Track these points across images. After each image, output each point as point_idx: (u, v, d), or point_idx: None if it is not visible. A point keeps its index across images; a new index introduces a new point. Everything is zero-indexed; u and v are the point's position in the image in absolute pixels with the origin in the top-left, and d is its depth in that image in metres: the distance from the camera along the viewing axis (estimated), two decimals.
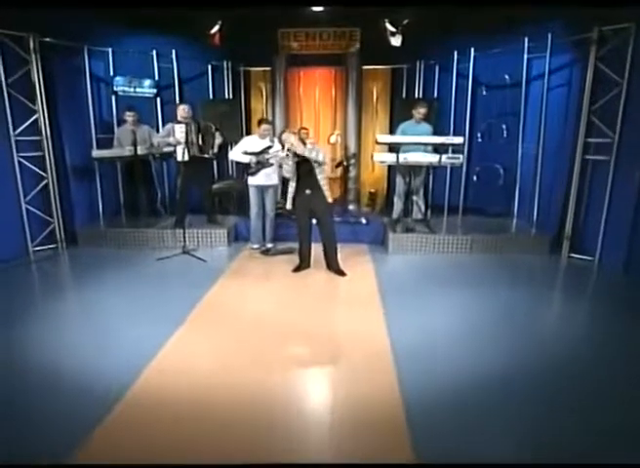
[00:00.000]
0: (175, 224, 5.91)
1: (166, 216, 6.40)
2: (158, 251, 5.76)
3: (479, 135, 6.72)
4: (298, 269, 4.86)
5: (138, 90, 6.79)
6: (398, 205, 6.22)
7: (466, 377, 2.93)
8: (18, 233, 5.57)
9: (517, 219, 6.37)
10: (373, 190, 7.72)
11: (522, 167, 6.29)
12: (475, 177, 6.80)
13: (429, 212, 6.32)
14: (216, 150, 5.83)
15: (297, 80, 7.77)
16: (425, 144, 5.55)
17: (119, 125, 6.61)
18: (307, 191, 4.55)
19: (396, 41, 5.96)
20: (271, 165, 5.57)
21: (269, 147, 5.54)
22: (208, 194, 6.10)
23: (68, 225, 6.03)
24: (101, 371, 2.97)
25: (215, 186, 6.56)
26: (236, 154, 5.59)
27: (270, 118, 7.58)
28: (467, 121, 6.74)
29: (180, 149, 5.59)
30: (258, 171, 5.54)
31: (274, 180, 5.67)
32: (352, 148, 7.34)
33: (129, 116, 6.18)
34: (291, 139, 4.58)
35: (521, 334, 3.54)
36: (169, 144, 5.72)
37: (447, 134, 6.77)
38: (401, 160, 5.48)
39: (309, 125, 7.88)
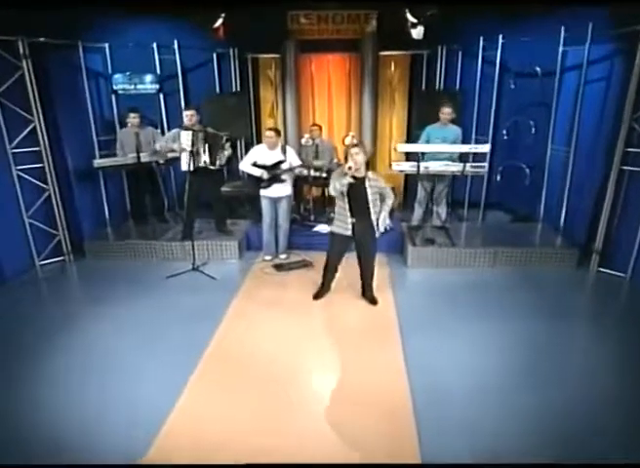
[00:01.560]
0: (182, 236, 5.66)
1: (174, 226, 6.12)
2: (167, 263, 5.56)
3: (505, 131, 6.24)
4: (318, 296, 4.60)
5: (139, 87, 6.38)
6: (418, 212, 5.89)
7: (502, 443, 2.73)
8: (23, 248, 5.39)
9: (542, 224, 6.00)
10: (391, 186, 7.31)
11: (550, 168, 5.86)
12: (499, 177, 6.38)
13: (449, 217, 5.95)
14: (223, 162, 5.47)
15: (308, 67, 7.25)
16: (461, 158, 5.13)
17: (121, 125, 6.26)
18: (350, 220, 4.18)
19: (417, 34, 5.42)
20: (283, 181, 5.23)
21: (281, 162, 5.17)
22: (217, 203, 5.80)
23: (75, 236, 5.82)
24: (106, 440, 2.83)
25: (223, 189, 6.25)
26: (246, 165, 5.26)
27: (283, 110, 7.18)
28: (492, 115, 6.25)
29: (184, 158, 5.25)
30: (269, 185, 5.21)
31: (288, 191, 5.36)
32: (368, 147, 6.89)
33: (132, 118, 5.82)
34: (359, 159, 4.02)
35: (557, 380, 3.32)
36: (173, 150, 5.37)
37: (469, 129, 6.36)
38: (422, 169, 5.09)
39: (322, 116, 7.46)
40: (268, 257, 5.61)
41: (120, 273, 5.38)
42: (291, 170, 5.24)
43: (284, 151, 5.20)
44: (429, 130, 5.63)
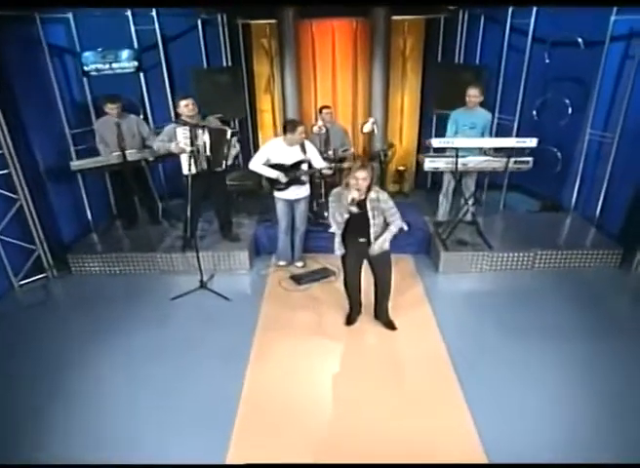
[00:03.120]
0: (183, 246, 4.96)
1: (170, 230, 5.37)
2: (168, 277, 4.90)
3: (535, 111, 5.61)
4: (350, 321, 4.05)
5: (114, 65, 5.39)
6: (444, 206, 5.31)
7: None
8: None
9: (574, 214, 5.54)
10: (401, 168, 6.69)
11: (587, 154, 5.32)
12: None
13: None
14: (230, 162, 4.67)
15: (309, 35, 6.33)
16: (496, 150, 4.50)
17: (97, 114, 5.32)
18: (361, 239, 3.59)
19: None
20: (304, 183, 4.54)
21: (302, 162, 4.45)
22: (223, 207, 5.06)
23: (56, 248, 5.03)
24: None
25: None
26: (258, 165, 4.50)
27: (282, 86, 6.30)
28: (521, 94, 5.59)
29: (184, 159, 4.45)
30: (287, 187, 4.51)
31: (306, 192, 4.68)
32: (380, 125, 6.17)
33: (111, 109, 4.91)
34: (365, 185, 3.33)
35: None
36: (171, 152, 4.54)
37: (491, 109, 5.70)
38: (460, 167, 4.48)
39: (325, 91, 6.63)
40: (283, 263, 5.00)
41: (114, 292, 4.69)
42: (314, 172, 4.52)
43: (303, 148, 4.46)
44: (456, 115, 4.97)
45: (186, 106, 4.44)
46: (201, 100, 5.59)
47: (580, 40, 5.05)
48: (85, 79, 5.28)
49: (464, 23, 5.96)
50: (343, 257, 3.72)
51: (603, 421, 3.01)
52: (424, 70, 6.41)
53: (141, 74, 5.64)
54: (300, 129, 4.31)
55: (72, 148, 5.21)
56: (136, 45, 5.50)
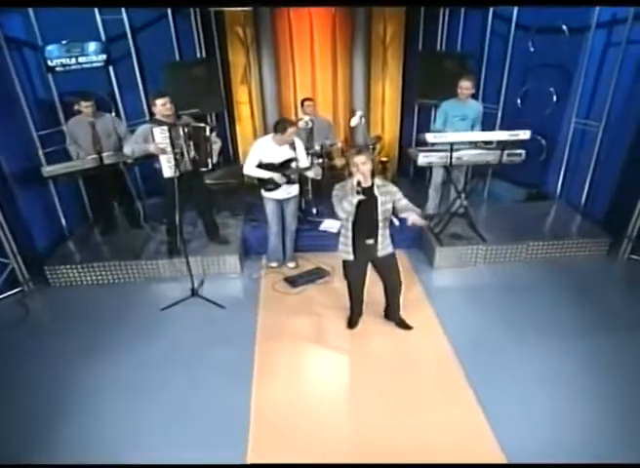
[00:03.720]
0: (169, 251, 4.72)
1: (152, 234, 5.09)
2: (154, 285, 4.66)
3: (519, 100, 5.59)
4: (352, 324, 3.94)
5: (81, 59, 4.99)
6: (434, 199, 5.27)
7: None
8: None
9: (559, 202, 5.60)
10: (384, 159, 6.59)
11: (572, 142, 5.35)
12: None
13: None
14: (215, 160, 4.42)
15: (286, 23, 6.07)
16: (485, 143, 4.44)
17: (65, 113, 4.95)
18: (369, 241, 3.46)
19: None
20: (295, 181, 4.36)
21: (292, 160, 4.27)
22: (208, 209, 4.83)
23: (31, 259, 4.68)
24: None
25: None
26: (252, 168, 4.28)
27: (260, 76, 6.08)
28: (505, 82, 5.56)
29: (164, 161, 4.19)
30: (277, 187, 4.33)
31: (295, 191, 4.50)
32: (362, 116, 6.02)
33: (85, 107, 4.56)
34: (367, 169, 3.16)
35: None
36: (149, 155, 4.25)
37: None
38: (455, 160, 4.40)
39: (304, 82, 6.41)
40: (275, 264, 4.84)
41: (97, 305, 4.42)
42: (303, 170, 4.34)
43: (292, 146, 4.27)
44: (446, 107, 4.89)
45: (164, 105, 4.15)
46: (176, 95, 5.35)
47: (564, 27, 5.02)
48: (50, 75, 4.86)
49: (446, 10, 5.83)
50: (347, 261, 3.58)
51: (615, 415, 3.05)
52: (405, 59, 6.28)
53: (111, 68, 5.26)
54: (291, 130, 4.09)
55: (41, 151, 4.82)
56: (103, 36, 5.11)
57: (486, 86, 5.81)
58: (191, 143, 4.20)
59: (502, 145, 4.35)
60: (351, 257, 3.47)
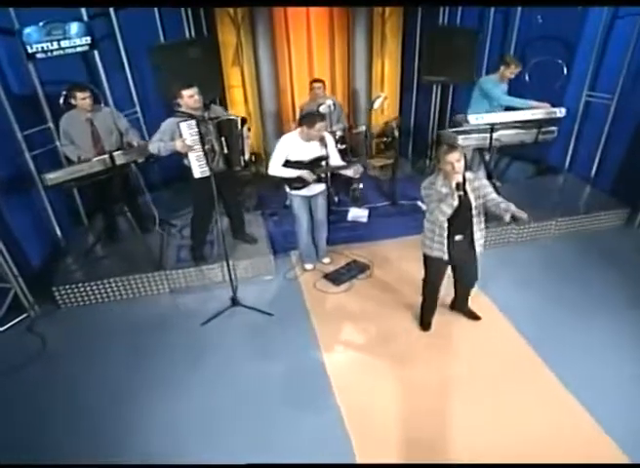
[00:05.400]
0: (195, 257, 4.29)
1: (170, 240, 4.60)
2: (182, 297, 4.23)
3: (527, 75, 5.55)
4: (428, 325, 3.73)
5: (64, 44, 4.28)
6: None
7: None
8: None
9: (567, 176, 5.71)
10: (386, 139, 6.38)
11: (583, 116, 5.42)
12: None
13: None
14: (247, 156, 3.97)
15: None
16: (526, 123, 4.33)
17: (52, 108, 4.28)
18: (458, 237, 3.26)
19: None
20: (325, 181, 4.05)
21: (322, 158, 3.92)
22: (237, 207, 4.41)
23: (34, 280, 4.07)
24: None
25: None
26: (278, 168, 3.88)
27: (255, 57, 5.63)
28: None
29: (194, 160, 3.73)
30: (306, 185, 3.98)
31: (322, 187, 4.16)
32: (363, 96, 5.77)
33: (82, 99, 3.94)
34: (462, 166, 2.94)
35: None
36: (177, 152, 3.76)
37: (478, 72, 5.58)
38: (493, 142, 4.29)
39: (301, 62, 6.00)
40: (310, 266, 4.53)
41: (123, 325, 3.94)
42: (338, 169, 4.01)
43: (323, 142, 3.88)
44: (489, 86, 4.69)
45: (191, 97, 3.67)
46: (166, 81, 4.83)
47: None
48: (30, 64, 4.14)
49: None
50: (430, 261, 3.38)
51: None
52: (404, 35, 6.04)
53: (96, 53, 4.58)
54: (319, 125, 3.71)
55: (27, 154, 4.14)
56: (85, 16, 4.42)
57: (490, 62, 5.71)
58: (223, 139, 3.74)
59: (539, 124, 4.29)
60: (446, 257, 3.27)
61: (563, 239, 4.88)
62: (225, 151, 3.77)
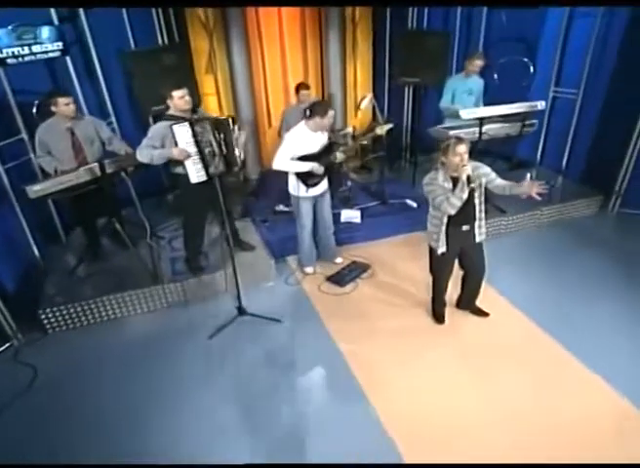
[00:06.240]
0: (191, 269, 4.07)
1: (160, 252, 4.34)
2: (181, 311, 3.99)
3: (495, 75, 5.78)
4: (442, 317, 3.73)
5: (35, 49, 3.99)
6: None
7: None
8: None
9: (540, 168, 5.97)
10: (364, 142, 6.41)
11: (551, 111, 5.70)
12: None
13: None
14: (243, 156, 3.83)
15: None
16: (508, 116, 4.46)
17: (24, 117, 3.96)
18: (465, 227, 3.30)
19: None
20: (340, 167, 4.01)
21: (332, 144, 3.90)
22: (229, 215, 4.23)
23: (13, 304, 3.68)
24: None
25: None
26: (285, 162, 3.80)
27: (230, 64, 5.53)
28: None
29: (190, 164, 3.55)
30: (322, 179, 3.92)
31: (327, 184, 4.10)
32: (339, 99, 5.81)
33: (65, 104, 3.67)
34: (467, 157, 3.00)
35: None
36: (173, 160, 3.57)
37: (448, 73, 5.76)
38: (483, 136, 4.41)
39: (274, 67, 5.94)
40: (310, 270, 4.42)
41: (123, 345, 3.65)
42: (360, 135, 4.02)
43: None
44: (453, 83, 4.92)
45: (182, 98, 3.52)
46: (141, 88, 4.65)
47: None
48: (0, 69, 3.81)
49: None
50: (440, 256, 3.37)
51: None
52: (375, 38, 6.14)
53: (68, 59, 4.31)
54: (331, 113, 3.73)
55: (1, 168, 3.79)
56: (55, 19, 4.15)
57: (458, 63, 5.91)
58: (222, 140, 3.59)
59: (523, 117, 4.47)
60: (442, 249, 3.30)
61: (547, 227, 5.08)
62: (224, 151, 3.61)
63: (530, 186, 3.00)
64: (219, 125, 3.57)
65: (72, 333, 3.79)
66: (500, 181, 3.18)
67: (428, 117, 6.25)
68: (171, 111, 3.58)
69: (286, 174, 3.95)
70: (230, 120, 3.65)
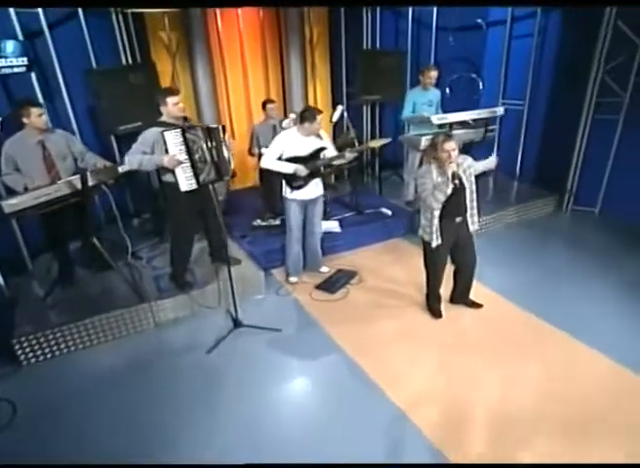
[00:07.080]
0: (179, 285, 3.89)
1: (142, 270, 4.11)
2: (171, 329, 3.77)
3: (447, 89, 6.18)
4: (438, 311, 3.80)
5: (0, 63, 3.78)
6: (413, 184, 5.43)
7: None
8: None
9: (496, 175, 6.35)
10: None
11: (501, 121, 6.15)
12: None
13: None
14: (232, 165, 3.78)
15: (214, 27, 5.59)
16: (475, 121, 4.77)
17: None
18: (458, 219, 3.43)
19: None
20: (328, 175, 4.04)
21: (321, 150, 3.96)
22: (218, 224, 4.07)
23: None
24: None
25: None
26: (272, 161, 3.85)
27: (194, 84, 5.52)
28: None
29: (180, 172, 3.45)
30: (307, 183, 3.95)
31: (321, 190, 4.15)
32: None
33: (38, 115, 3.46)
34: (456, 154, 3.20)
35: None
36: (163, 168, 3.45)
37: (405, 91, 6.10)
38: None
39: (237, 87, 5.99)
40: (294, 279, 4.37)
41: (113, 373, 3.34)
42: (335, 158, 4.04)
43: (319, 136, 3.97)
44: (413, 96, 5.17)
45: (176, 105, 3.46)
46: (107, 106, 4.52)
47: (480, 21, 5.79)
48: None
49: (368, 11, 6.16)
50: (431, 247, 3.49)
51: None
52: (332, 58, 6.37)
53: (33, 75, 4.10)
54: (320, 117, 3.84)
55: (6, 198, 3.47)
56: (20, 34, 3.96)
57: (412, 79, 6.26)
58: (213, 147, 3.52)
59: (485, 123, 4.79)
60: (437, 242, 3.43)
61: (512, 227, 5.40)
62: (216, 159, 3.54)
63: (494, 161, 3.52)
64: (211, 132, 3.53)
65: (50, 363, 3.44)
66: (478, 166, 3.49)
67: (387, 131, 6.57)
68: (163, 118, 3.50)
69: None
70: (221, 128, 3.64)
